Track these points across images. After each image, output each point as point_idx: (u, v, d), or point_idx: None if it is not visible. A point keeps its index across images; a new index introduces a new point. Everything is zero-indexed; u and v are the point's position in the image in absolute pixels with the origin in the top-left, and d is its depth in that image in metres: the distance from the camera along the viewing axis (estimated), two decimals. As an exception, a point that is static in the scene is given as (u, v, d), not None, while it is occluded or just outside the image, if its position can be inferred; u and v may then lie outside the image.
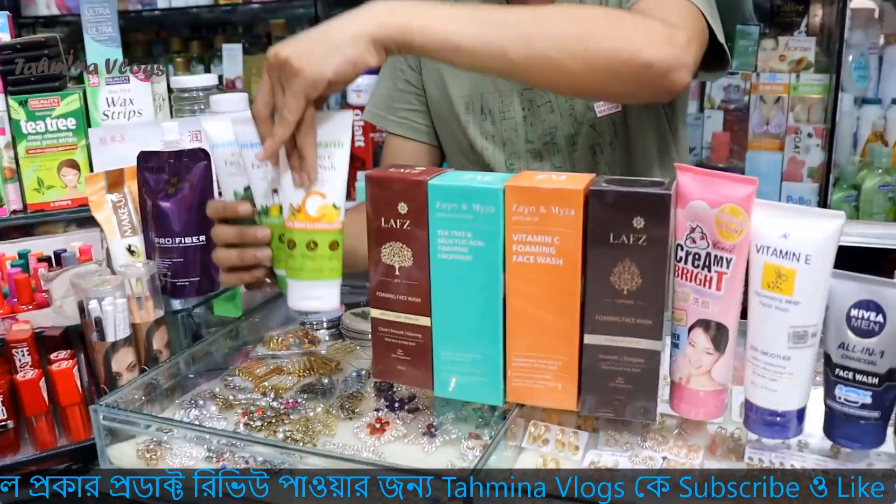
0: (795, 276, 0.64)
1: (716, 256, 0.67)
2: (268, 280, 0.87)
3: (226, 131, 0.84)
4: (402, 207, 0.73)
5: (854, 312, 0.65)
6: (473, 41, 0.79)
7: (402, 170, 0.76)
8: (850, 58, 1.92)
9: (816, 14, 2.05)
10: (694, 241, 0.68)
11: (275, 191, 0.82)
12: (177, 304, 1.02)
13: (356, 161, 2.29)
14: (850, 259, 0.73)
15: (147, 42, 2.81)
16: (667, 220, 0.65)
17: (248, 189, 0.85)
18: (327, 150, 0.79)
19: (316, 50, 0.74)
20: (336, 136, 0.80)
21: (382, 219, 0.74)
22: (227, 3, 2.34)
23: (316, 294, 0.80)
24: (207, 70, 2.54)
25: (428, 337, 0.75)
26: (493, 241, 0.70)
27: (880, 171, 1.87)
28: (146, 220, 0.99)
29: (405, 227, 0.74)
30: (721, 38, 0.95)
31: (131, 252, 1.00)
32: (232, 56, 2.40)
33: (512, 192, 0.69)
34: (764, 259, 0.66)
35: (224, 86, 2.44)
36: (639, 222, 0.65)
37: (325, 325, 1.04)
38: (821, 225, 0.64)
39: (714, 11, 0.95)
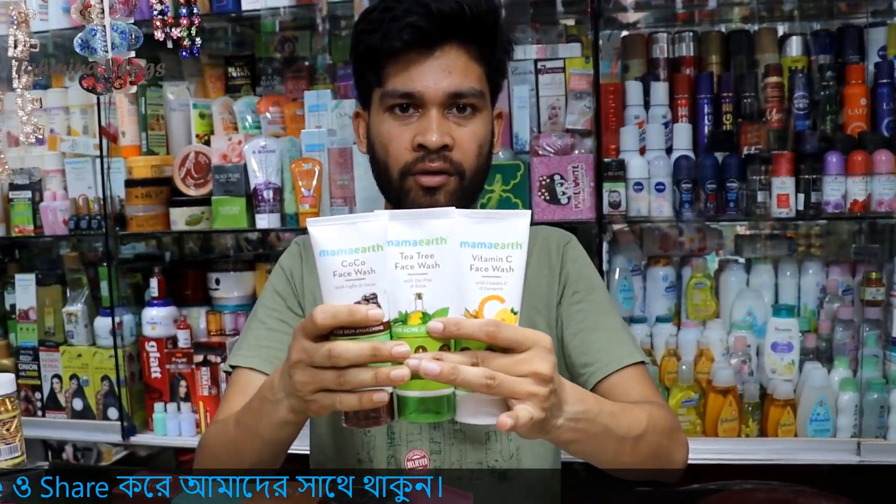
0: None
1: None
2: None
3: (338, 237, 0.80)
4: None
5: None
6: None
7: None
8: (616, 281, 2.09)
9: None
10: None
11: (419, 295, 0.81)
12: None
13: (153, 392, 2.25)
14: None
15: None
16: None
17: (372, 298, 0.81)
18: (505, 251, 0.81)
19: None
20: (515, 237, 0.81)
21: None
22: (21, 235, 2.30)
23: (492, 409, 0.82)
24: (1, 298, 2.47)
25: None
26: None
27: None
28: None
29: None
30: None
31: None
32: (24, 286, 2.35)
33: None
34: None
35: (17, 316, 2.37)
36: None
37: None
38: None
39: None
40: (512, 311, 0.82)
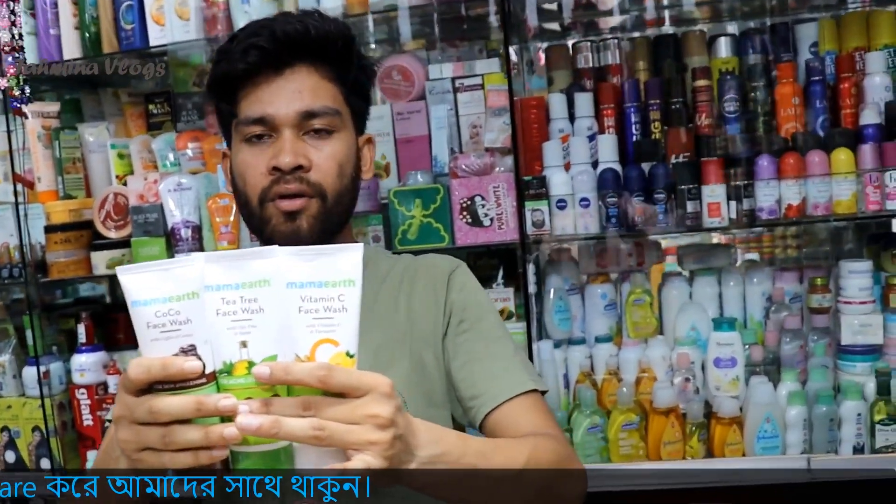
0: None
1: None
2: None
3: (150, 285, 0.75)
4: None
5: None
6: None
7: None
8: (551, 302, 2.01)
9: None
10: None
11: (244, 343, 0.75)
12: None
13: (86, 440, 2.19)
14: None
15: None
16: None
17: (190, 349, 0.75)
18: (337, 290, 0.75)
19: None
20: (347, 274, 0.75)
21: None
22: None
23: (334, 460, 0.75)
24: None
25: None
26: None
27: (588, 412, 1.92)
28: None
29: None
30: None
31: None
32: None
33: None
34: None
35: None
36: None
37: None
38: None
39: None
40: (347, 353, 0.76)
